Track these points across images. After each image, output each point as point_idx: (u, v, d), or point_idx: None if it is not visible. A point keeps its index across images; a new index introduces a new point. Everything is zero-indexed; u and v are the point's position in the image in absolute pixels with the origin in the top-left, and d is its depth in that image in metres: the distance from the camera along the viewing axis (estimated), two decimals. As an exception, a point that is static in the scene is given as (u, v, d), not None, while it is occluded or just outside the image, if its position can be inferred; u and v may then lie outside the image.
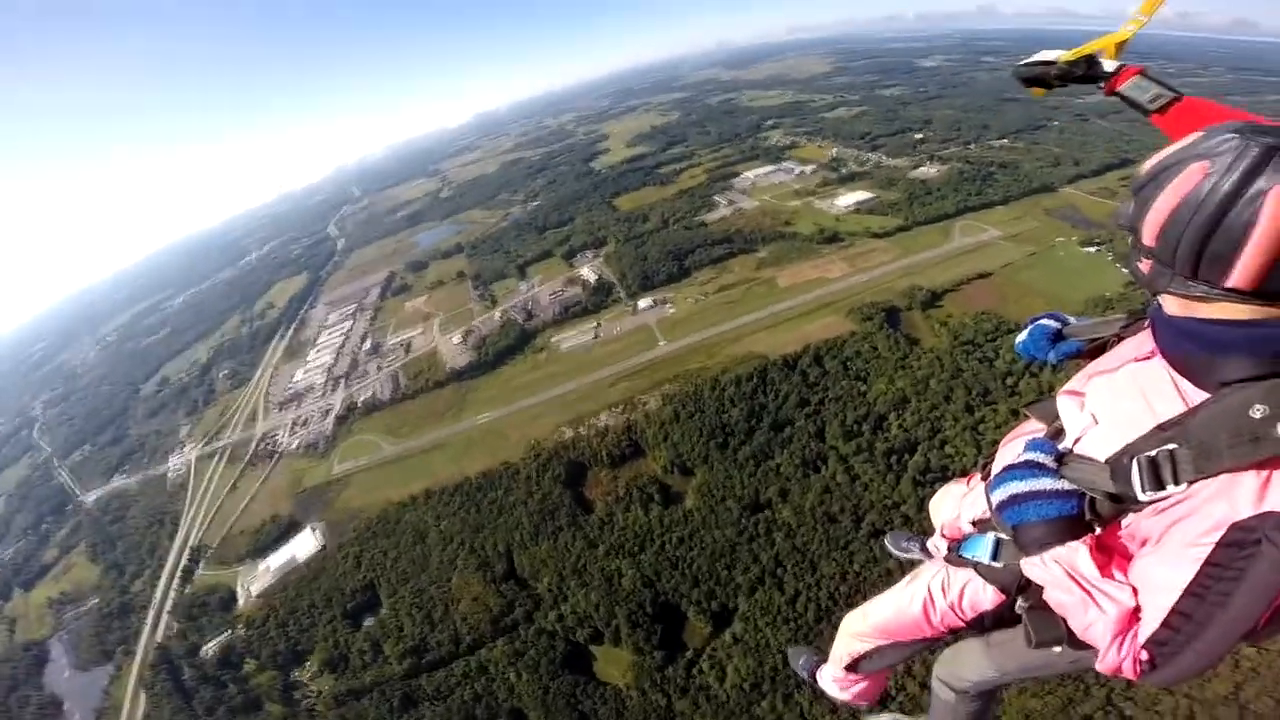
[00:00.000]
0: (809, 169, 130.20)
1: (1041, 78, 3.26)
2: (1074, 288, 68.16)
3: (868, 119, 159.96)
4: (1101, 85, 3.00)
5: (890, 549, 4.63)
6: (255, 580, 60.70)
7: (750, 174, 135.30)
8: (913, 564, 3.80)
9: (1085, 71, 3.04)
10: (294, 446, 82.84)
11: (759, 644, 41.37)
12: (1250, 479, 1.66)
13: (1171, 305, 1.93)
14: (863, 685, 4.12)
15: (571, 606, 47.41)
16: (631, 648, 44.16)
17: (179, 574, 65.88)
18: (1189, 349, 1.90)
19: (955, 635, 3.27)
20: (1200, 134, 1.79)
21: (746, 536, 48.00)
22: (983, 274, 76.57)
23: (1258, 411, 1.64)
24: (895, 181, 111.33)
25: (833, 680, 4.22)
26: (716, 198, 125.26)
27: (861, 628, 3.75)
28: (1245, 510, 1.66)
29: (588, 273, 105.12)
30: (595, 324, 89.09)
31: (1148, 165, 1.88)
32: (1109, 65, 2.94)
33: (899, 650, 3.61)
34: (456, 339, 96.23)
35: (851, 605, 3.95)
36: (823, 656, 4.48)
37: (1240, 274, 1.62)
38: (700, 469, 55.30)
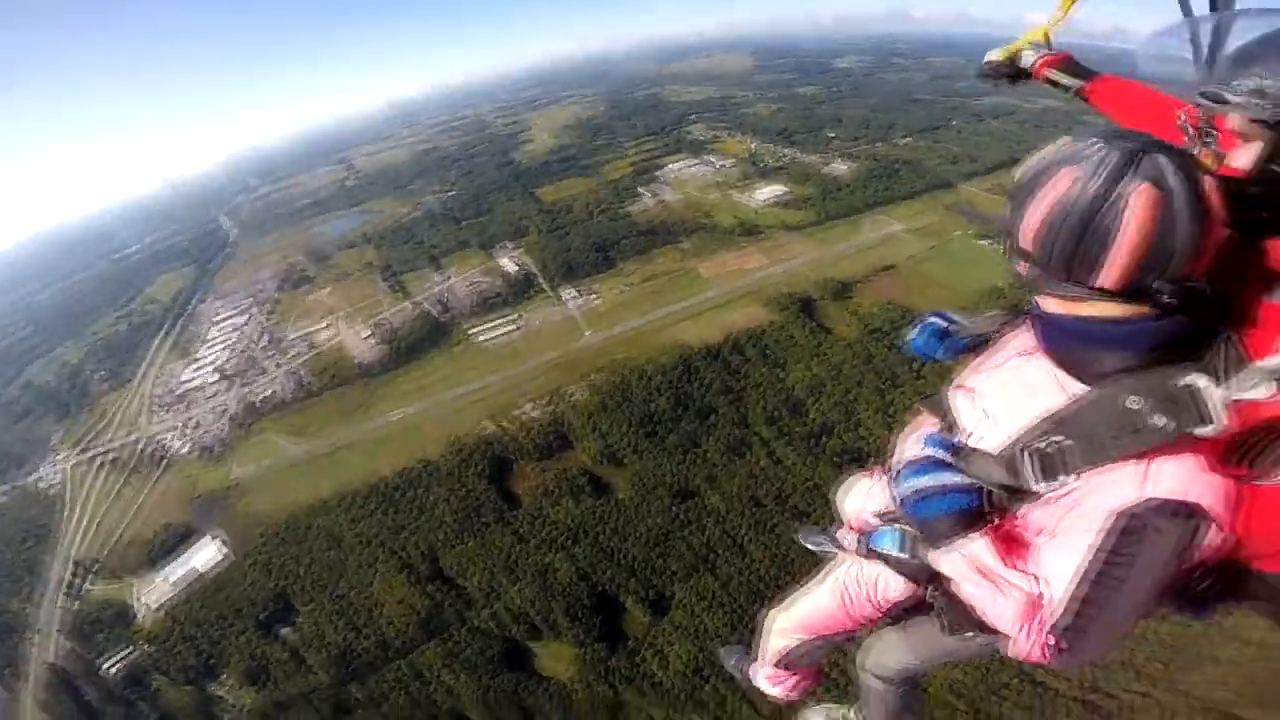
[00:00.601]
0: (729, 163, 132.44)
1: (991, 75, 3.45)
2: (970, 279, 73.31)
3: (785, 116, 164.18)
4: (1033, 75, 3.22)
5: (804, 544, 4.62)
6: (153, 593, 55.43)
7: (674, 167, 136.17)
8: (829, 558, 3.86)
9: (1014, 68, 3.26)
10: (185, 450, 75.92)
11: (698, 629, 41.86)
12: (1132, 468, 1.76)
13: (1050, 304, 2.02)
14: (794, 680, 4.19)
15: (505, 603, 46.22)
16: (573, 641, 43.62)
17: (64, 590, 59.34)
18: (1068, 345, 2.01)
19: (874, 625, 3.36)
20: (1066, 140, 1.89)
21: (679, 524, 48.55)
22: (888, 266, 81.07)
23: (1134, 403, 1.73)
24: (809, 177, 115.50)
25: (765, 679, 4.28)
26: (641, 189, 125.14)
27: (785, 624, 3.81)
28: (1130, 497, 1.76)
29: (507, 263, 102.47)
30: (516, 316, 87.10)
31: (1020, 171, 1.96)
32: (1028, 58, 3.15)
33: (825, 644, 3.69)
34: (365, 333, 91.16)
35: (782, 588, 3.94)
36: (753, 654, 4.51)
37: (1108, 275, 1.72)
38: (630, 459, 55.36)
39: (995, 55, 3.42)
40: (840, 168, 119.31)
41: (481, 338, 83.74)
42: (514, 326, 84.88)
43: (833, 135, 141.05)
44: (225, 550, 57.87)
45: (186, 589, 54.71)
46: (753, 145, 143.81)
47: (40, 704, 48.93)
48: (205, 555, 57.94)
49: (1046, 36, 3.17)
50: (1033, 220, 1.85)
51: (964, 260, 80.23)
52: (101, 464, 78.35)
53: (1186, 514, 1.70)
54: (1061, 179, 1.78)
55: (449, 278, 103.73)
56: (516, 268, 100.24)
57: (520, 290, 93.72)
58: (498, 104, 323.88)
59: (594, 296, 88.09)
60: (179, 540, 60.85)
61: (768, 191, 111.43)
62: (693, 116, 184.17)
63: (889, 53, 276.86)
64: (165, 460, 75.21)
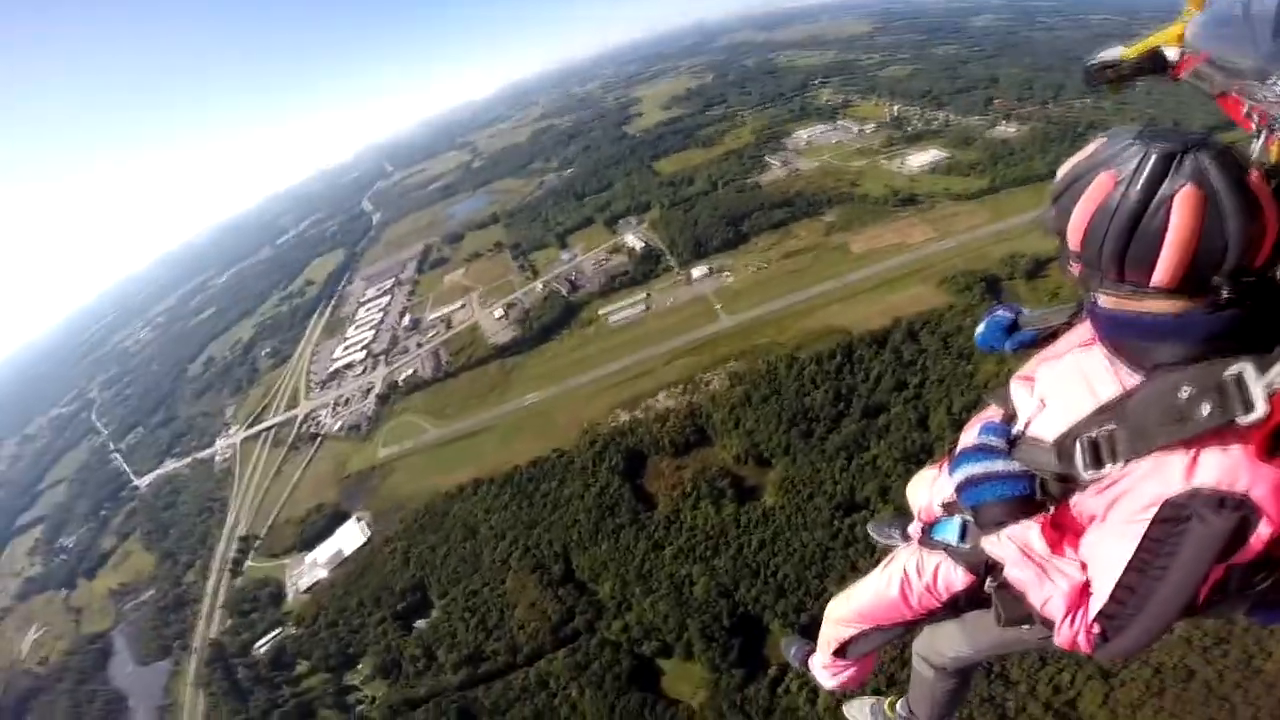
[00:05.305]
0: (869, 127, 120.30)
1: (1113, 77, 3.19)
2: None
3: (925, 77, 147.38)
4: (1170, 74, 2.98)
5: (874, 536, 4.55)
6: (303, 575, 57.96)
7: (804, 133, 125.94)
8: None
9: (1152, 65, 3.03)
10: (336, 428, 79.86)
11: (857, 661, 35.87)
12: (1179, 457, 1.73)
13: (1105, 301, 2.01)
14: (851, 671, 4.04)
15: (637, 616, 42.54)
16: (706, 663, 39.10)
17: (229, 566, 63.83)
18: (1123, 336, 1.97)
19: (933, 616, 3.15)
20: (1103, 140, 1.88)
21: (841, 540, 42.01)
22: (1089, 239, 67.57)
23: (1185, 392, 1.71)
24: (971, 141, 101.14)
25: (822, 668, 4.13)
26: (768, 158, 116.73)
27: (844, 613, 3.67)
28: (1176, 487, 1.74)
29: (633, 240, 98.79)
30: (645, 295, 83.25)
31: (1061, 173, 1.96)
32: (1172, 55, 2.96)
33: (882, 634, 3.54)
34: (498, 313, 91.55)
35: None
36: (813, 645, 4.34)
37: (1161, 275, 1.73)
38: (780, 460, 49.40)
39: (1114, 54, 3.14)
40: (1009, 130, 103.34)
41: (611, 318, 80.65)
42: (643, 306, 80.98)
43: (999, 102, 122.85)
44: (368, 532, 59.10)
45: (332, 573, 56.14)
46: (895, 107, 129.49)
47: (199, 679, 51.96)
48: (350, 537, 59.45)
49: (1181, 35, 2.84)
50: (1078, 223, 1.85)
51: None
52: (266, 440, 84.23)
53: (1233, 505, 1.66)
54: (1103, 182, 1.77)
55: (576, 255, 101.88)
56: (642, 244, 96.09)
57: (648, 268, 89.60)
58: (604, 80, 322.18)
59: (726, 274, 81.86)
60: (329, 521, 63.22)
61: (923, 156, 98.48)
62: (816, 81, 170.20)
63: (1030, 11, 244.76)
64: (319, 437, 79.33)
